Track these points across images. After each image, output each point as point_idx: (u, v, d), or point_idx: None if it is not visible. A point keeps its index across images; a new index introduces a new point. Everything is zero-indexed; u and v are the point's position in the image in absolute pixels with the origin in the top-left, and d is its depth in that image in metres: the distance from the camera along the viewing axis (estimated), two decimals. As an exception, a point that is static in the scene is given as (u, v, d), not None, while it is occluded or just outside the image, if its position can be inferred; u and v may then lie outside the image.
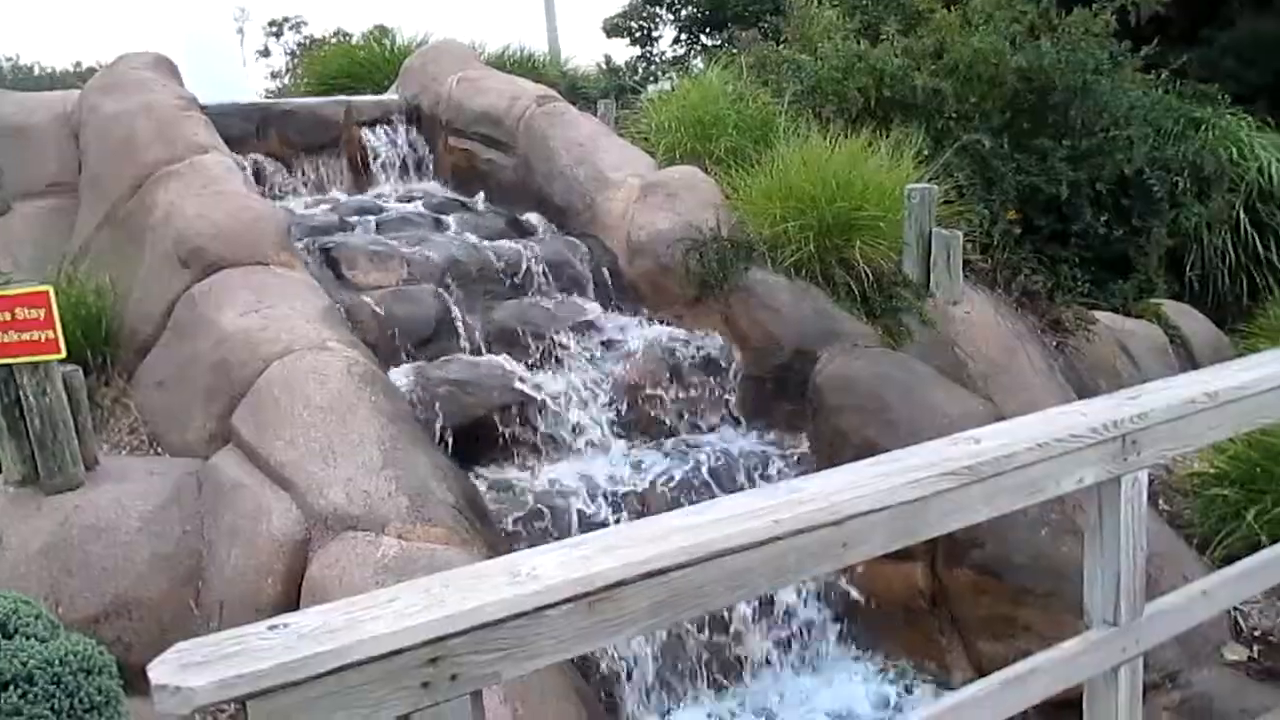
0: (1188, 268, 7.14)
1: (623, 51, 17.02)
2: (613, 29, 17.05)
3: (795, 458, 4.55)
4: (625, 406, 4.57)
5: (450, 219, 6.02)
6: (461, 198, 6.71)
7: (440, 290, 4.87)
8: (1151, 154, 6.99)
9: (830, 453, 4.46)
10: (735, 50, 8.83)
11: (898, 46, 7.03)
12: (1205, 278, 7.16)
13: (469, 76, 7.23)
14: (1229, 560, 3.24)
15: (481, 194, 6.69)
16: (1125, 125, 6.91)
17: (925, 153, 5.88)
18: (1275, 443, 4.08)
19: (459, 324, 4.73)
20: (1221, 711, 3.42)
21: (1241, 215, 7.16)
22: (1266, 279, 7.12)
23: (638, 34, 16.96)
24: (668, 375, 4.69)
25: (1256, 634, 3.75)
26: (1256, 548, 3.32)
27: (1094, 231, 6.61)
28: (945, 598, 4.26)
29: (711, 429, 4.73)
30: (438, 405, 4.17)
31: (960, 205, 5.77)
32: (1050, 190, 6.50)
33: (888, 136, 5.78)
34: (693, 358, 4.80)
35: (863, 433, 4.41)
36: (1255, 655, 3.70)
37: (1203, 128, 7.62)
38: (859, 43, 7.11)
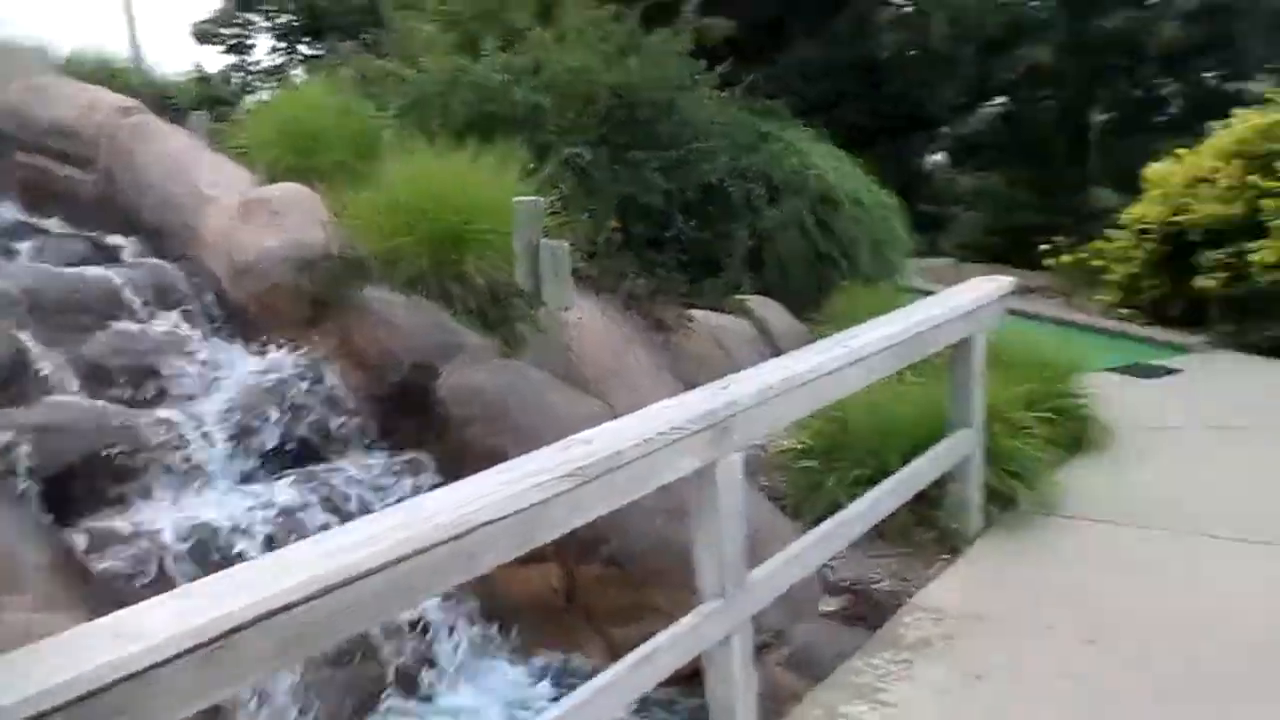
0: (767, 265, 7.91)
1: (216, 60, 16.07)
2: (203, 35, 16.04)
3: (423, 475, 4.54)
4: (238, 438, 4.33)
5: (22, 244, 5.39)
6: (35, 220, 6.02)
7: (13, 327, 4.34)
8: (731, 164, 7.70)
9: (458, 465, 4.49)
10: (337, 62, 8.64)
11: (498, 62, 7.21)
12: (783, 273, 7.96)
13: (36, 84, 6.51)
14: (817, 524, 3.65)
15: (58, 215, 6.05)
16: (707, 138, 7.56)
17: (531, 166, 6.08)
18: (845, 416, 4.65)
19: (40, 363, 4.24)
20: (821, 658, 3.82)
21: (807, 217, 8.04)
22: (830, 273, 8.07)
23: (232, 41, 16.08)
24: (282, 402, 4.50)
25: (844, 585, 4.20)
26: (838, 510, 3.78)
27: (686, 236, 7.18)
28: (580, 593, 4.44)
29: (333, 454, 4.59)
30: (22, 456, 3.72)
31: (566, 216, 6.03)
32: (646, 199, 6.97)
33: (494, 150, 5.92)
34: (308, 381, 4.64)
35: (488, 442, 4.48)
36: (846, 605, 4.17)
37: (771, 140, 8.48)
38: (460, 58, 7.22)
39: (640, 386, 5.26)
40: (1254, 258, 7.91)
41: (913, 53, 16.85)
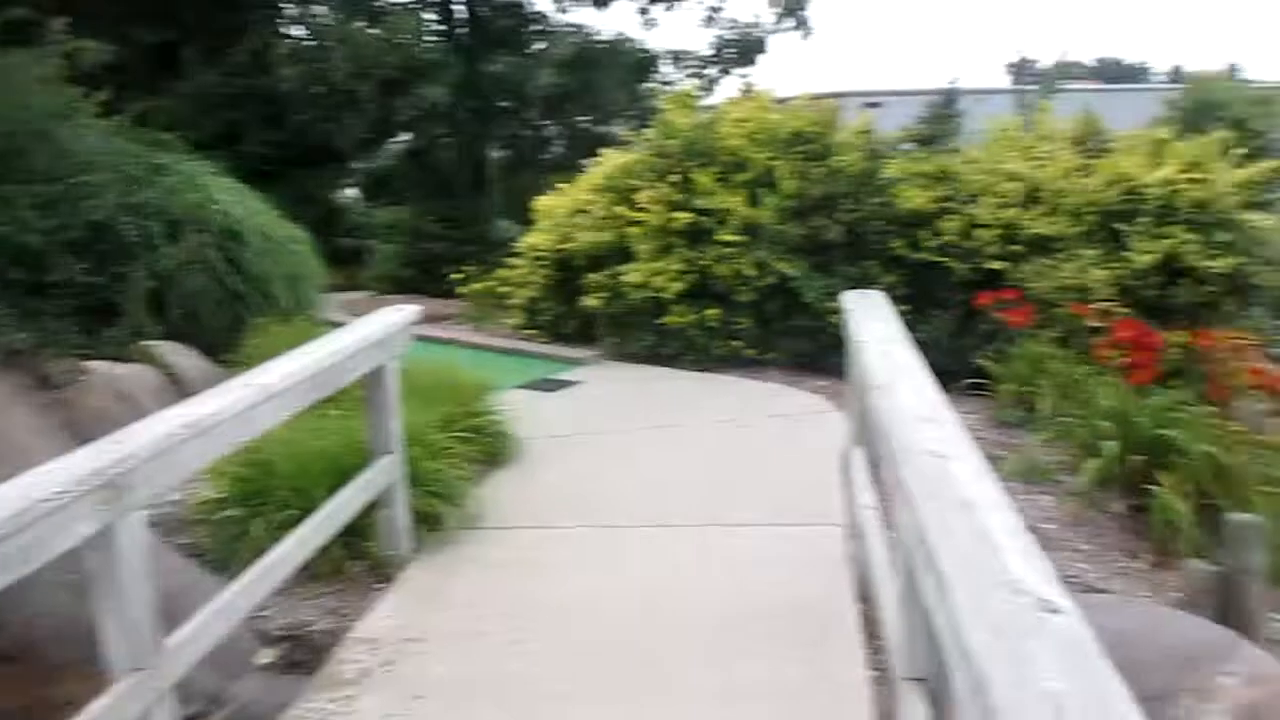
0: (173, 307, 7.39)
1: None
2: None
3: None
4: None
5: None
6: None
7: None
8: (122, 200, 7.10)
9: None
10: None
11: None
12: (192, 314, 7.48)
13: None
14: (244, 574, 3.51)
15: None
16: (91, 171, 6.90)
17: None
18: (268, 458, 4.53)
19: None
20: (262, 714, 3.68)
21: (213, 254, 7.66)
22: (243, 310, 7.75)
23: None
24: None
25: (281, 633, 4.10)
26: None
27: (75, 281, 6.48)
28: (-34, 701, 3.82)
29: None
30: None
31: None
32: (21, 240, 6.19)
33: None
34: None
35: None
36: (284, 653, 4.05)
37: (167, 173, 7.96)
38: None
39: (26, 450, 4.66)
40: (625, 279, 9.10)
41: (316, 88, 16.78)
